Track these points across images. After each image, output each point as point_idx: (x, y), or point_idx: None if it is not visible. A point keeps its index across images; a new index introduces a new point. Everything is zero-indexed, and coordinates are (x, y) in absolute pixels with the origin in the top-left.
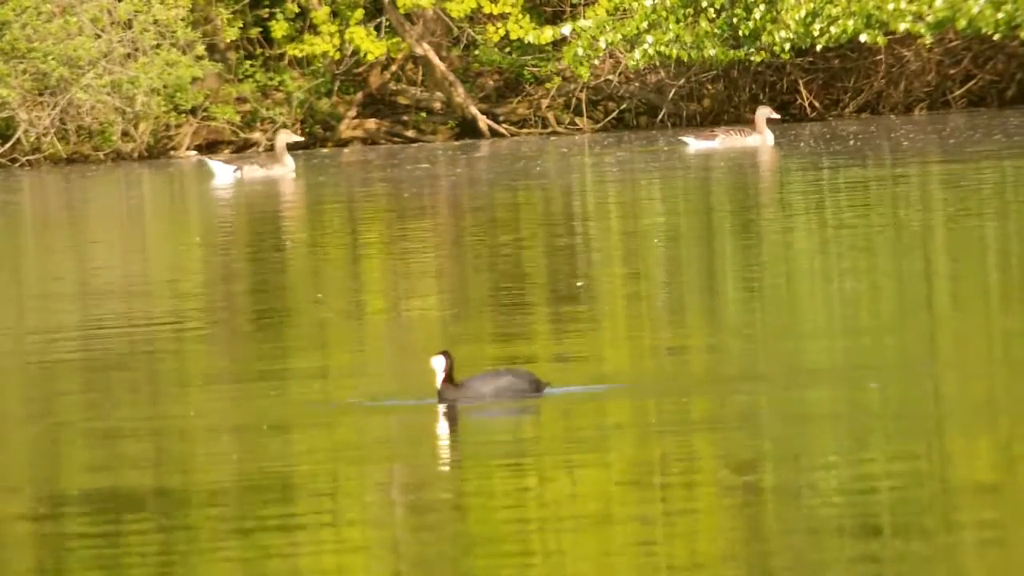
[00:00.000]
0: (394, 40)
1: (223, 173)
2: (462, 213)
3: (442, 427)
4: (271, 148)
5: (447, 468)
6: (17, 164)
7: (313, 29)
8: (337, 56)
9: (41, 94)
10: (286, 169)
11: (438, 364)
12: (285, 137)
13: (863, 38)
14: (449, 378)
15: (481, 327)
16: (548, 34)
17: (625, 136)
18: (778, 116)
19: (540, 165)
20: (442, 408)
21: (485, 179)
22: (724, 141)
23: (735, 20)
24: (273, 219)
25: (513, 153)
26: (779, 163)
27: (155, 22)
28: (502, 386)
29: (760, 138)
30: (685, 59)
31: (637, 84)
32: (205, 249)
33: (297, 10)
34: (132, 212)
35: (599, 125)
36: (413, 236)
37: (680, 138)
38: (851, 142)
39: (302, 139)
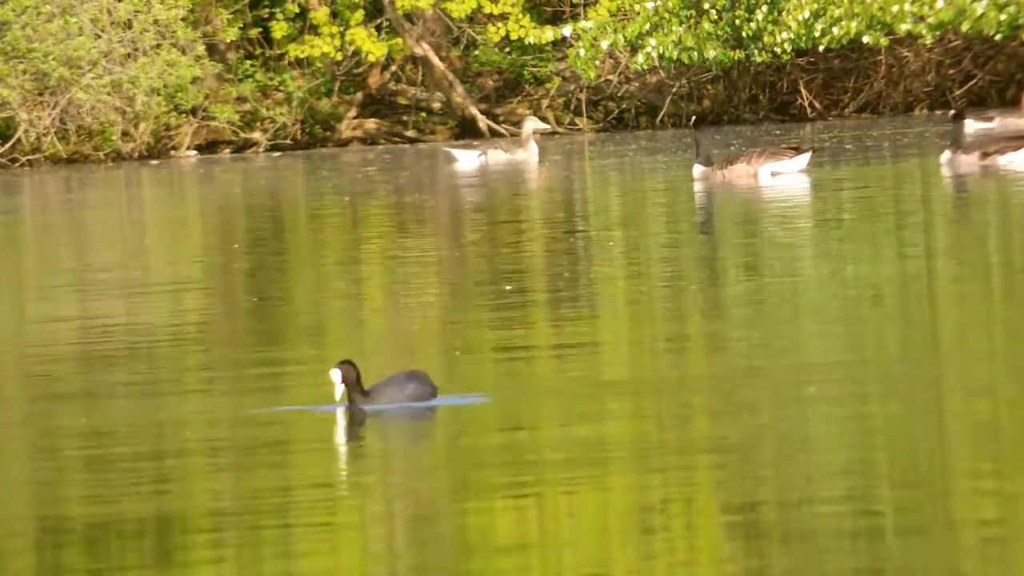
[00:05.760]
0: (395, 40)
1: (467, 159)
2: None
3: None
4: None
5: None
6: (17, 164)
7: (313, 30)
8: (339, 57)
9: (41, 94)
10: (529, 154)
11: (336, 376)
12: (532, 123)
13: (866, 39)
14: (359, 386)
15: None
16: (548, 34)
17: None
18: None
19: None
20: (353, 414)
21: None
22: (1001, 123)
23: (737, 21)
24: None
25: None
26: None
27: (155, 22)
28: (411, 392)
29: None
30: (687, 61)
31: (637, 84)
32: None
33: (297, 10)
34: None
35: (599, 125)
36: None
37: None
38: None
39: (548, 127)
